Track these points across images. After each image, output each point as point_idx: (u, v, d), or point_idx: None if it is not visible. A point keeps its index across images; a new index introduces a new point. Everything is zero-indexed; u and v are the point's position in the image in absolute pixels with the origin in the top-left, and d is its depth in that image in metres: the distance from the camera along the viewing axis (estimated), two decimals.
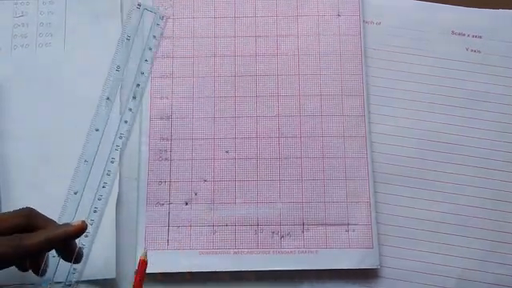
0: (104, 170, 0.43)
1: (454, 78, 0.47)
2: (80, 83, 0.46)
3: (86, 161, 0.43)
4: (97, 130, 0.43)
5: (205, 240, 0.43)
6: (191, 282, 0.43)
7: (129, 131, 0.44)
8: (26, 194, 0.44)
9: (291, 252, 0.43)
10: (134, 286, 0.37)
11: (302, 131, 0.46)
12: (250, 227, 0.44)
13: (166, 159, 0.45)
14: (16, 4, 0.49)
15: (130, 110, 0.46)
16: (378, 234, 0.43)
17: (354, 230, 0.43)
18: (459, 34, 0.48)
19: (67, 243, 0.38)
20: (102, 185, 0.43)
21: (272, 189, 0.44)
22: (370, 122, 0.46)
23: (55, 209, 0.44)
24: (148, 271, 0.37)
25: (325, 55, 0.47)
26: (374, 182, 0.44)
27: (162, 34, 0.48)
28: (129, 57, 0.47)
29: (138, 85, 0.46)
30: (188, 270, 0.42)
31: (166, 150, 0.45)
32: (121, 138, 0.44)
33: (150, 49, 0.47)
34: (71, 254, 0.39)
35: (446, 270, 0.43)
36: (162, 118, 0.46)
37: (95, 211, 0.43)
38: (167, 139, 0.46)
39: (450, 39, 0.48)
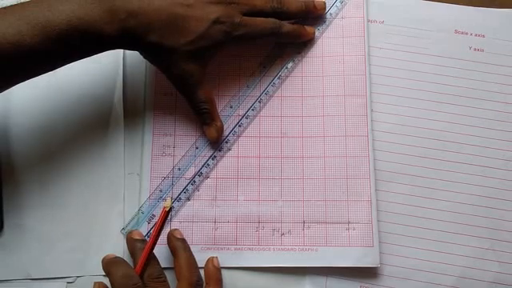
0: None
1: (456, 77, 0.47)
2: (83, 80, 0.47)
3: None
4: None
5: (206, 236, 0.44)
6: None
7: None
8: (29, 192, 0.45)
9: (292, 249, 0.43)
10: (151, 235, 0.38)
11: (304, 130, 0.46)
12: (251, 224, 0.44)
13: (169, 155, 0.45)
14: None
15: None
16: (379, 232, 0.43)
17: (354, 229, 0.43)
18: (462, 33, 0.48)
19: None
20: None
21: (273, 187, 0.45)
22: (372, 121, 0.46)
23: (58, 206, 0.44)
24: None
25: (328, 55, 0.47)
26: (375, 180, 0.45)
27: None
28: None
29: None
30: None
31: (169, 146, 0.46)
32: None
33: None
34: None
35: (446, 269, 0.43)
36: (165, 114, 0.46)
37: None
38: (170, 135, 0.46)
39: (453, 38, 0.48)
